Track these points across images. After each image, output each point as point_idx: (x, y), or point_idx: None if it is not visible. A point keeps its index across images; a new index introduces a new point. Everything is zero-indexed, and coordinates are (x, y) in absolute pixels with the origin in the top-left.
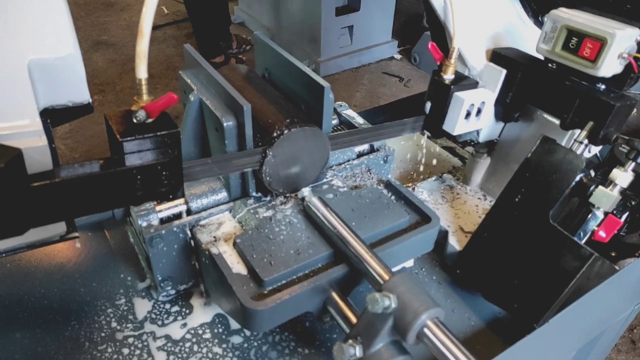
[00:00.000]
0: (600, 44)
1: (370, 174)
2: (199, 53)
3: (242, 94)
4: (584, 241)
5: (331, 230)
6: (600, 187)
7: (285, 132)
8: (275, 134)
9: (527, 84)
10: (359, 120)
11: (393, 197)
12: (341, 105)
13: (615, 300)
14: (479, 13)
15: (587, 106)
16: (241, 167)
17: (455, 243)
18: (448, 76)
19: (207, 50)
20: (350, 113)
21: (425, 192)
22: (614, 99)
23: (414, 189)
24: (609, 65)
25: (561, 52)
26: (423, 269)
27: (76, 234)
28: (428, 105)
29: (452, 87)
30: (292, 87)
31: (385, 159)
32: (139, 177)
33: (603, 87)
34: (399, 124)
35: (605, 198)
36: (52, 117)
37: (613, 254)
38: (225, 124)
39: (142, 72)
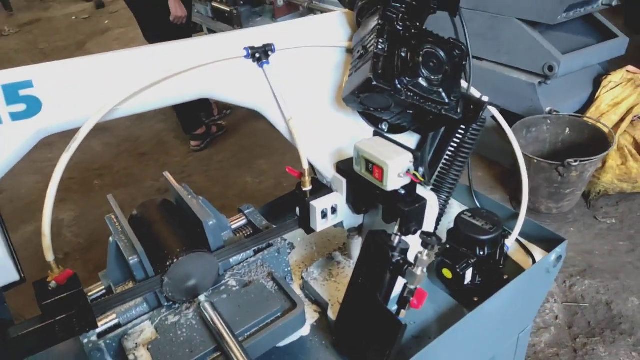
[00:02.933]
0: (382, 169)
1: (263, 267)
2: (182, 127)
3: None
4: (407, 309)
5: (214, 328)
6: (409, 268)
7: (175, 260)
8: (168, 263)
9: (359, 190)
10: (260, 219)
11: (275, 288)
12: (248, 208)
13: (482, 337)
14: (324, 135)
15: (390, 209)
16: (148, 291)
17: (331, 314)
18: (306, 188)
19: (189, 124)
20: (253, 214)
21: (316, 272)
22: (406, 204)
23: (307, 269)
24: (394, 183)
25: (365, 173)
26: (316, 336)
27: None
28: (297, 209)
29: (306, 198)
30: (190, 215)
31: (278, 251)
32: (56, 327)
33: (403, 192)
34: (278, 228)
35: (412, 277)
36: None
37: (476, 299)
38: (131, 262)
39: (49, 256)
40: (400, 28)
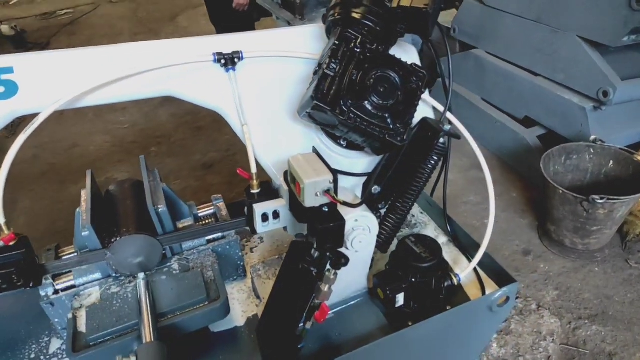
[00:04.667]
0: (300, 186)
1: (209, 257)
2: None
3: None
4: (311, 321)
5: (140, 305)
6: (319, 284)
7: (118, 239)
8: (113, 240)
9: (294, 201)
10: (225, 212)
11: (212, 278)
12: (217, 198)
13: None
14: (280, 143)
15: (310, 225)
16: (91, 261)
17: (259, 311)
18: (255, 190)
19: None
20: (220, 206)
21: (262, 269)
22: (322, 222)
23: (255, 265)
24: (311, 200)
25: (292, 186)
26: (248, 329)
27: None
28: (246, 209)
29: (251, 201)
30: None
31: (229, 244)
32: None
33: (327, 209)
34: (229, 222)
35: (318, 292)
36: None
37: (410, 324)
38: (83, 234)
39: (0, 219)
40: (358, 50)
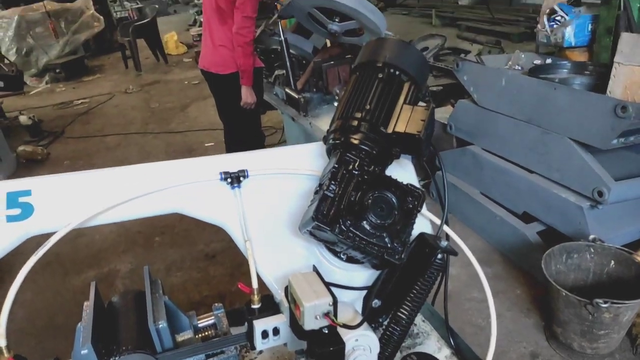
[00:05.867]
0: (300, 309)
1: None
2: None
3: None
4: None
5: None
6: None
7: (117, 358)
8: (111, 359)
9: (294, 319)
10: (226, 324)
11: None
12: (218, 309)
13: None
14: (281, 258)
15: (309, 346)
16: None
17: None
18: (255, 306)
19: None
20: (219, 316)
21: None
22: (322, 345)
23: None
24: (310, 323)
25: (292, 306)
26: None
27: None
28: (245, 325)
29: (250, 317)
30: None
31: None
32: None
33: (327, 331)
34: (228, 338)
35: None
36: None
37: None
38: (82, 352)
39: (2, 342)
40: (357, 172)
